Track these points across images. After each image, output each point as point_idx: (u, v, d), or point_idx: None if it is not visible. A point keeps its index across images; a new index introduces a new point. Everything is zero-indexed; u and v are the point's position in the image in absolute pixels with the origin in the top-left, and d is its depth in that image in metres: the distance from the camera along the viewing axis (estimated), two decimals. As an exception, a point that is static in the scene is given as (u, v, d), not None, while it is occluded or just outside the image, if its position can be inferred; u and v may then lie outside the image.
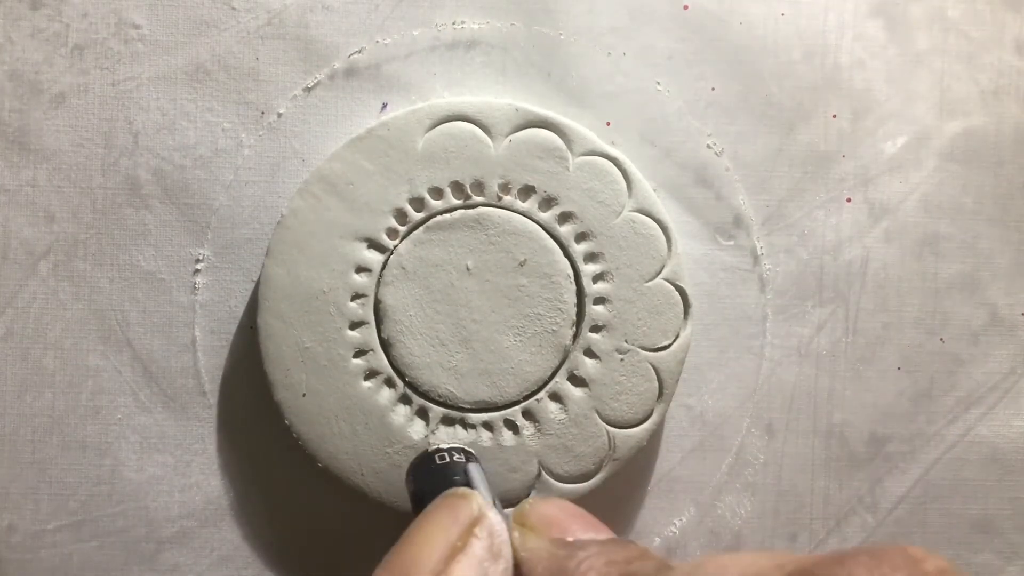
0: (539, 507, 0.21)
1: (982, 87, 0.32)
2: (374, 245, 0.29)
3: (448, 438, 0.29)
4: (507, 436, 0.29)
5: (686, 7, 0.32)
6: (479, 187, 0.29)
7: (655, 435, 0.31)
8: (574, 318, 0.29)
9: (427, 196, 0.29)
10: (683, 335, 0.30)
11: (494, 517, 0.21)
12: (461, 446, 0.28)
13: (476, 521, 0.20)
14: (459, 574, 0.19)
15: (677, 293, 0.30)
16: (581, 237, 0.29)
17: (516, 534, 0.21)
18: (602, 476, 0.29)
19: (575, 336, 0.29)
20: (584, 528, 0.21)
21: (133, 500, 0.31)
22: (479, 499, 0.21)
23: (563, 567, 0.19)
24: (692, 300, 0.30)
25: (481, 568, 0.19)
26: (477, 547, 0.19)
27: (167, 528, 0.31)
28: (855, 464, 0.32)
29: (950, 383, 0.32)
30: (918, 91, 0.32)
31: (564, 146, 0.29)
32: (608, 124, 0.31)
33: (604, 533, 0.21)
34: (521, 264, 0.29)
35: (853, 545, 0.32)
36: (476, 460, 0.27)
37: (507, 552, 0.20)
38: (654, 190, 0.30)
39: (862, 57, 0.32)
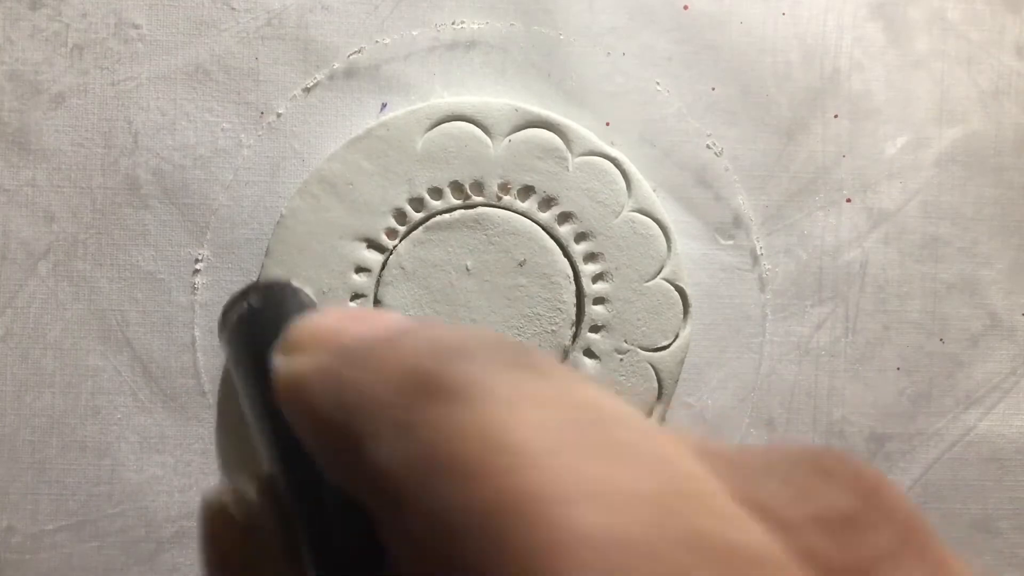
0: (305, 321, 0.14)
1: (982, 90, 0.32)
2: (373, 245, 0.29)
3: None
4: (507, 436, 0.29)
5: (686, 7, 0.32)
6: (478, 187, 0.29)
7: (655, 435, 0.31)
8: (573, 318, 0.29)
9: (426, 196, 0.29)
10: (682, 335, 0.30)
11: None
12: None
13: None
14: None
15: (676, 293, 0.30)
16: (580, 237, 0.29)
17: (278, 363, 0.13)
18: (602, 476, 0.29)
19: (574, 336, 0.29)
20: (365, 327, 0.13)
21: (133, 500, 0.31)
22: None
23: (345, 378, 0.12)
24: (691, 300, 0.30)
25: None
26: None
27: (167, 528, 0.31)
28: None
29: (949, 384, 0.32)
30: (918, 94, 0.32)
31: (564, 146, 0.29)
32: (608, 124, 0.31)
33: (398, 323, 0.14)
34: (520, 264, 0.29)
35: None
36: None
37: None
38: (654, 190, 0.30)
39: (861, 60, 0.32)
